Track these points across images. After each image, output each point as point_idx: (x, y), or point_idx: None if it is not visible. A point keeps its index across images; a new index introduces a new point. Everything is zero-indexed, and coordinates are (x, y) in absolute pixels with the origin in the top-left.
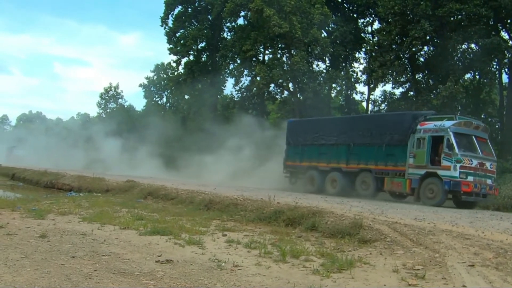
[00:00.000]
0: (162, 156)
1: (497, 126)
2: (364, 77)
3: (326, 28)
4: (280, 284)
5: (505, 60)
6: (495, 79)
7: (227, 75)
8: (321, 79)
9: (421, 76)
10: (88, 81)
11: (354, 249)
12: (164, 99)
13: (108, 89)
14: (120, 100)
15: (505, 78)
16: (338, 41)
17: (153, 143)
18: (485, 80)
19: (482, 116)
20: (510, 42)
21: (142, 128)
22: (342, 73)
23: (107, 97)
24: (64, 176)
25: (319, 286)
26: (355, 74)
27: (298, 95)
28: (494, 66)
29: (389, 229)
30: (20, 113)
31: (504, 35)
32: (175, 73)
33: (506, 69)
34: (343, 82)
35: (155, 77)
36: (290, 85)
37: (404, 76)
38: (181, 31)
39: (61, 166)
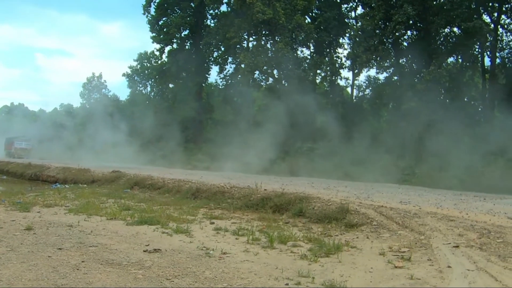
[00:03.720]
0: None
1: (480, 109)
2: (348, 63)
3: (310, 14)
4: (268, 270)
5: (487, 43)
6: (477, 62)
7: (211, 63)
8: (306, 65)
9: (404, 60)
10: (71, 72)
11: (341, 234)
12: (149, 88)
13: (91, 79)
14: (103, 90)
15: (487, 61)
16: (322, 27)
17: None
18: (467, 64)
19: (465, 99)
20: (492, 25)
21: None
22: (326, 59)
23: (90, 87)
24: (49, 168)
25: (307, 271)
26: (339, 60)
27: (283, 81)
28: (477, 50)
29: (375, 213)
30: (1, 105)
31: (486, 18)
32: (159, 62)
33: (488, 52)
34: (328, 68)
35: (139, 66)
36: (275, 72)
37: (388, 61)
38: (164, 19)
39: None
